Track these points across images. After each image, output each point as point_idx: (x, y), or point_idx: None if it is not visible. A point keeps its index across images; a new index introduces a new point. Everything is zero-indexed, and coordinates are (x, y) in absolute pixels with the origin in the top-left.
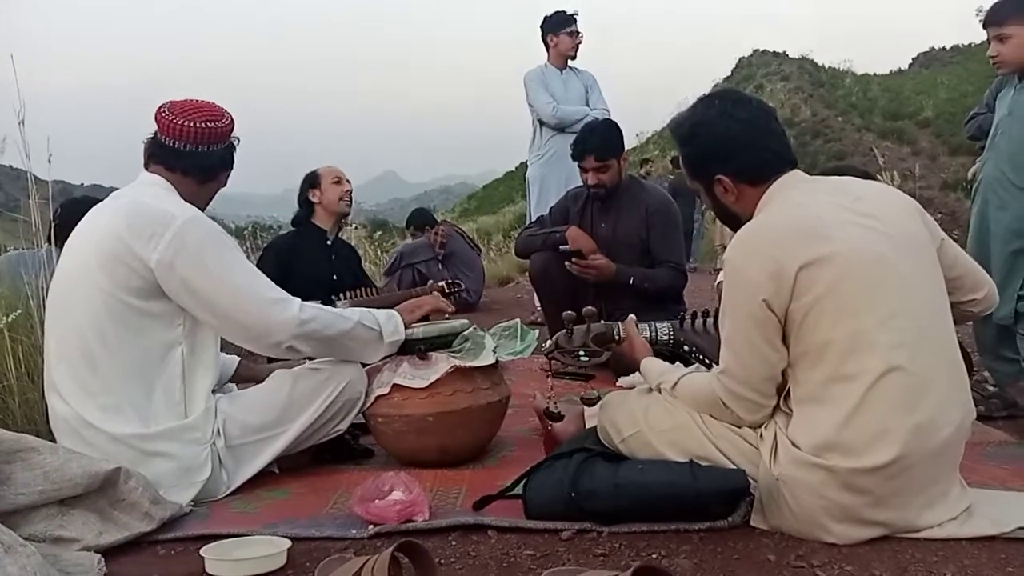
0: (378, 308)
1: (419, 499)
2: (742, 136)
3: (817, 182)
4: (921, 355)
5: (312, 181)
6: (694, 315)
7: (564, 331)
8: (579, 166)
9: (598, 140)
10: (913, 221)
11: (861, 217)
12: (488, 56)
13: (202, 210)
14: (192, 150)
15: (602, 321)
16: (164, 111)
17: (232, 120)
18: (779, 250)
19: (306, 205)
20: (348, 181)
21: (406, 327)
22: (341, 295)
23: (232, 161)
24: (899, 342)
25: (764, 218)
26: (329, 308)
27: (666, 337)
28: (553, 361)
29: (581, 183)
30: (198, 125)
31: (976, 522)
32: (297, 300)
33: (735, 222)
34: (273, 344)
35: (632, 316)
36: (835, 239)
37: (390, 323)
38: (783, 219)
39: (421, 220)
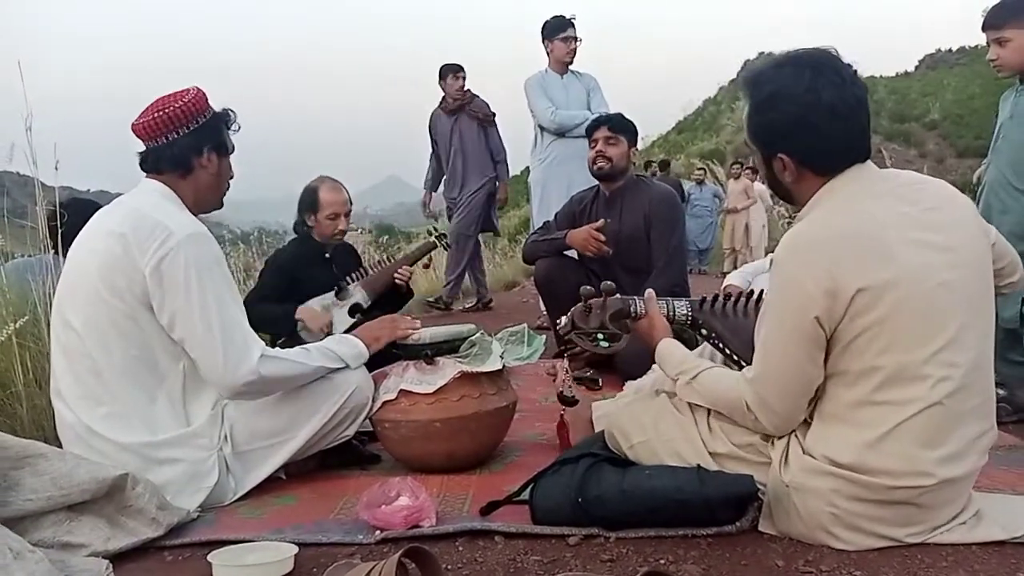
0: (386, 279)
1: (426, 504)
2: (822, 121)
3: (886, 179)
4: (962, 389)
5: (312, 204)
6: (715, 297)
7: (581, 306)
8: (591, 141)
9: (615, 116)
10: (979, 234)
11: (930, 233)
12: (492, 60)
13: (215, 204)
14: (154, 145)
15: (619, 296)
16: (135, 120)
17: (194, 99)
18: (838, 267)
19: (304, 223)
20: (349, 200)
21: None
22: (349, 278)
23: (206, 141)
24: (945, 376)
25: (824, 222)
26: (292, 353)
27: (684, 316)
28: (569, 343)
29: (582, 188)
30: (147, 119)
31: (985, 527)
32: (259, 350)
33: (787, 197)
34: (226, 388)
35: (651, 291)
36: (899, 262)
37: (352, 352)
38: (846, 229)
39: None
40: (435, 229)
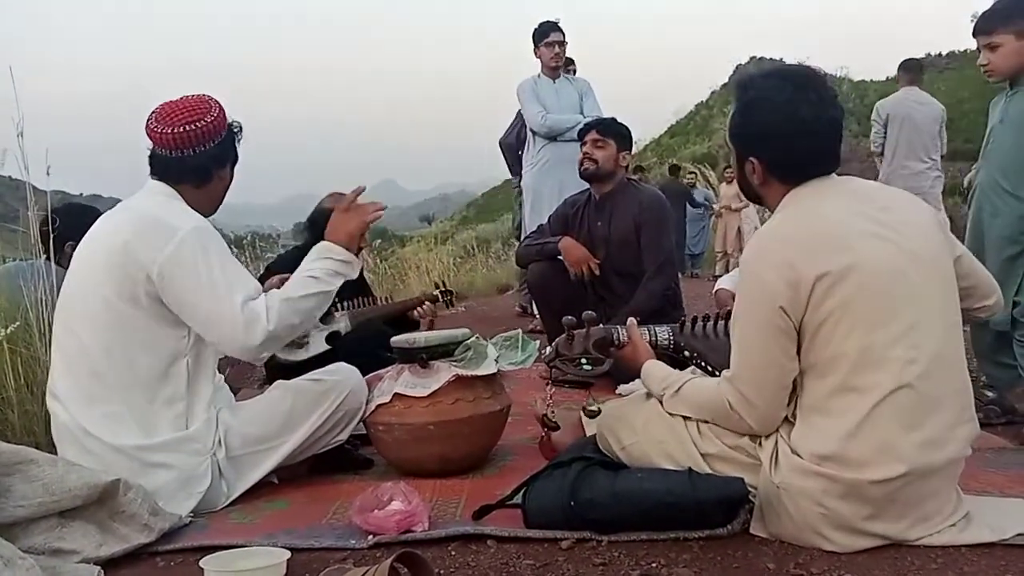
0: (375, 317)
1: (418, 509)
2: (795, 134)
3: (845, 185)
4: (932, 374)
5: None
6: (695, 319)
7: (564, 336)
8: (581, 144)
9: (607, 120)
10: (935, 235)
11: (884, 228)
12: (488, 64)
13: (213, 211)
14: (179, 156)
15: (602, 325)
16: (151, 121)
17: (220, 113)
18: (798, 258)
19: (314, 235)
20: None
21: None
22: (339, 305)
23: (229, 155)
24: (911, 359)
25: (785, 222)
26: (294, 287)
27: (666, 341)
28: (554, 369)
29: (574, 192)
30: (177, 130)
31: (975, 529)
32: (262, 309)
33: (755, 199)
34: (247, 353)
35: (633, 319)
36: (855, 250)
37: (341, 263)
38: (804, 225)
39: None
40: (443, 284)
